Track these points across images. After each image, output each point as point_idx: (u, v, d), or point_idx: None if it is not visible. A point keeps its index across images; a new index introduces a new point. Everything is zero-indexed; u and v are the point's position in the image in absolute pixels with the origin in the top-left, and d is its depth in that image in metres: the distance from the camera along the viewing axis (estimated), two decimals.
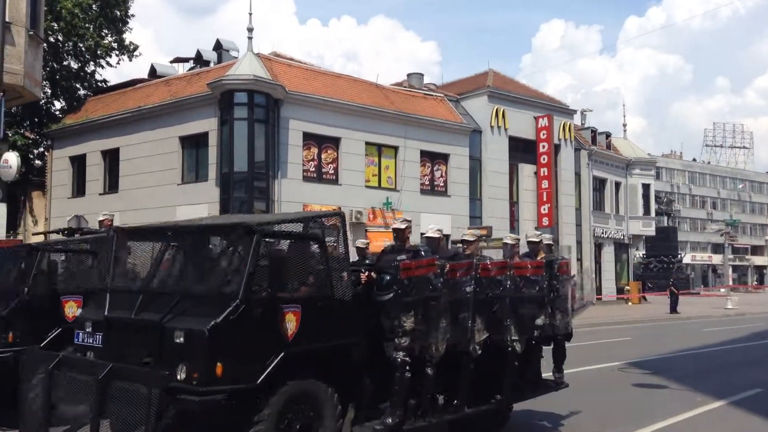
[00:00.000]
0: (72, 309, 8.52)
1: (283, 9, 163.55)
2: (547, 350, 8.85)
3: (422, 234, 8.22)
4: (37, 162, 34.63)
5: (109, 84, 35.25)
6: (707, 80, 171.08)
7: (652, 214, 47.62)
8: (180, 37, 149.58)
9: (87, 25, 32.00)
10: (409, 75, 37.65)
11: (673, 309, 31.58)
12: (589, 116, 46.46)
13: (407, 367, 6.49)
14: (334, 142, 28.58)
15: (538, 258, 8.50)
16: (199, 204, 26.85)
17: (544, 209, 35.80)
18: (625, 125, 48.78)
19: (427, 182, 31.66)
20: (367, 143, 29.39)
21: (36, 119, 33.00)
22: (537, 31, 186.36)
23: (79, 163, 32.24)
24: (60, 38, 32.08)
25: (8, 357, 7.73)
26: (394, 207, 29.71)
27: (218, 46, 33.26)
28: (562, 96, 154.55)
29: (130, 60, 35.15)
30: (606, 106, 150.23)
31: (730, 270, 69.70)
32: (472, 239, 7.99)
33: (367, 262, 8.32)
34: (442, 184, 32.25)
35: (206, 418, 5.61)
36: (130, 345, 5.98)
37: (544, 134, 35.82)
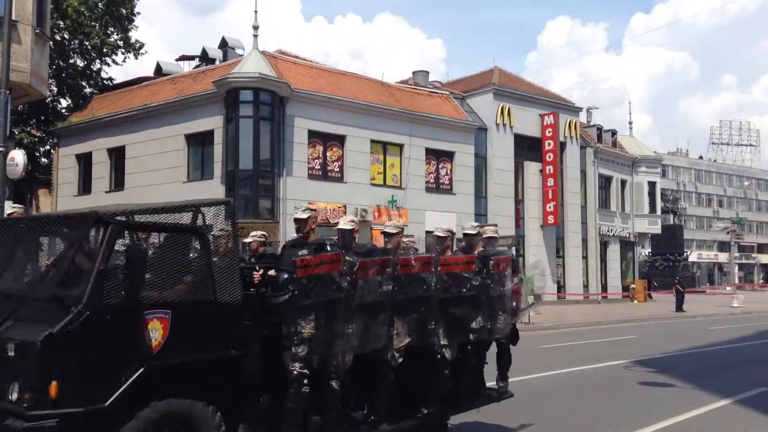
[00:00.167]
0: None
1: (288, 6, 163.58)
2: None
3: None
4: (44, 160, 34.74)
5: (114, 82, 35.34)
6: (714, 77, 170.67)
7: (658, 212, 47.51)
8: (186, 35, 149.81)
9: (93, 23, 32.08)
10: (414, 72, 37.64)
11: (679, 307, 31.51)
12: (594, 114, 46.36)
13: (305, 381, 5.64)
14: (340, 139, 28.59)
15: (475, 253, 7.47)
16: None
17: (550, 207, 35.76)
18: (631, 123, 48.58)
19: (432, 180, 31.66)
20: (372, 141, 29.40)
21: (42, 117, 33.10)
22: (543, 28, 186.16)
23: (85, 160, 32.33)
24: (66, 36, 32.16)
25: None
26: (399, 205, 29.74)
27: (224, 44, 33.29)
28: (568, 93, 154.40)
29: (136, 58, 35.23)
30: (612, 103, 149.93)
31: (736, 268, 69.50)
32: (393, 231, 6.90)
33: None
34: (447, 182, 32.23)
35: None
36: None
37: (549, 132, 35.77)
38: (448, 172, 32.31)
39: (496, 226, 9.12)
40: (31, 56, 17.51)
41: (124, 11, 33.44)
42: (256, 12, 27.28)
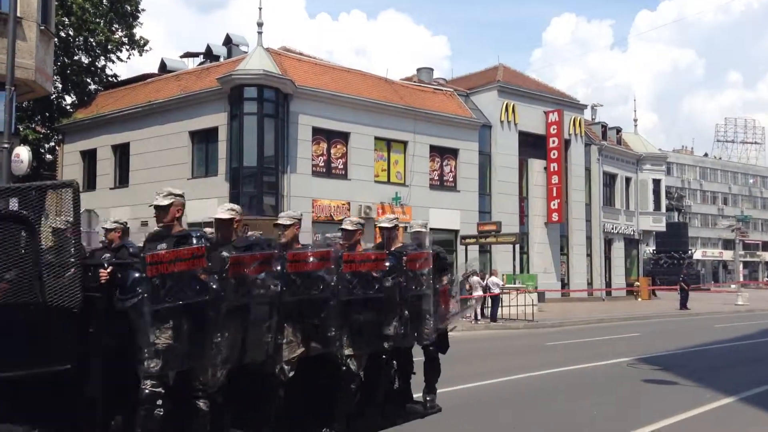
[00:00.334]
0: None
1: (292, 3, 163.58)
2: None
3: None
4: (48, 156, 34.86)
5: (119, 79, 35.41)
6: (719, 75, 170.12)
7: (663, 209, 47.42)
8: (190, 32, 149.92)
9: (98, 20, 32.15)
10: (418, 70, 37.63)
11: (683, 305, 31.44)
12: (599, 111, 46.33)
13: (158, 402, 4.64)
14: (344, 136, 28.61)
15: (393, 248, 6.55)
16: (209, 199, 26.92)
17: (554, 204, 35.73)
18: (636, 120, 48.65)
19: (436, 177, 31.65)
20: (376, 138, 29.40)
21: (47, 114, 33.20)
22: (548, 25, 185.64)
23: (89, 157, 32.41)
24: (71, 33, 32.24)
25: None
26: (403, 202, 29.75)
27: (228, 41, 33.32)
28: (573, 91, 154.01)
29: (141, 55, 35.33)
30: (617, 101, 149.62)
31: (741, 266, 69.25)
32: (288, 223, 6.01)
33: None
34: (451, 179, 32.22)
35: None
36: None
37: (554, 129, 35.73)
38: (452, 169, 32.30)
39: (425, 221, 8.49)
40: (36, 53, 17.55)
41: (129, 8, 33.51)
42: (260, 9, 27.29)
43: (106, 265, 5.02)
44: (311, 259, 5.52)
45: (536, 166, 35.98)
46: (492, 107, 34.05)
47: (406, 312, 6.13)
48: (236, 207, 5.66)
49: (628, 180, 44.05)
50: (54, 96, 31.88)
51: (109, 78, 35.05)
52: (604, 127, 42.98)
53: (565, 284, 37.36)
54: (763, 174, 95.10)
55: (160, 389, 4.67)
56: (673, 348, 16.19)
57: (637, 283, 42.92)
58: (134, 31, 34.53)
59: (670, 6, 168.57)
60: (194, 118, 27.85)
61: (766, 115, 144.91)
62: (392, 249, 6.47)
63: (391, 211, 29.40)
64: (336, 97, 28.02)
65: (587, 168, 39.24)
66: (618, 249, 42.70)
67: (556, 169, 35.77)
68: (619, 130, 45.09)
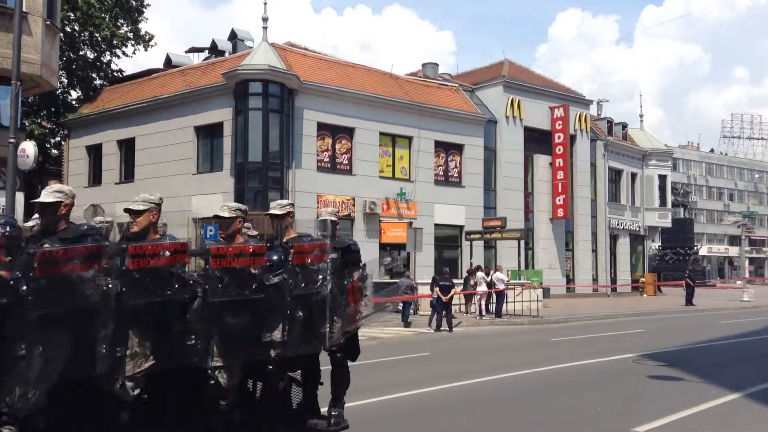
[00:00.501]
0: None
1: None
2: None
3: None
4: (54, 151, 34.96)
5: (124, 74, 35.46)
6: (725, 70, 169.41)
7: (669, 205, 47.32)
8: (195, 27, 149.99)
9: (103, 15, 32.18)
10: (423, 65, 37.56)
11: (689, 301, 31.39)
12: (605, 107, 46.26)
13: None
14: (348, 132, 28.60)
15: (286, 239, 5.75)
16: (214, 194, 26.98)
17: (559, 200, 35.68)
18: (641, 116, 48.29)
19: (441, 173, 31.62)
20: (381, 133, 29.38)
21: (53, 109, 33.29)
22: (553, 20, 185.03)
23: (95, 152, 32.49)
24: (76, 28, 32.29)
25: None
26: (408, 198, 29.72)
27: (233, 36, 33.32)
28: (578, 86, 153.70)
29: (146, 50, 35.36)
30: (623, 96, 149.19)
31: (747, 262, 68.98)
32: (143, 208, 5.11)
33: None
34: (456, 175, 32.19)
35: None
36: None
37: (559, 125, 35.66)
38: (457, 164, 32.26)
39: (336, 209, 7.36)
40: (42, 48, 17.59)
41: (134, 3, 33.57)
42: (265, 4, 27.26)
43: None
44: (164, 252, 4.44)
45: (541, 161, 35.92)
46: (497, 102, 33.99)
47: (300, 314, 5.19)
48: (65, 188, 4.82)
49: (633, 176, 43.94)
50: (59, 91, 31.96)
51: (115, 73, 35.11)
52: (610, 122, 42.88)
53: (570, 280, 37.32)
54: None
55: None
56: (679, 344, 16.17)
57: (642, 279, 42.86)
58: (139, 26, 34.56)
59: (677, 1, 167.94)
60: (199, 114, 27.86)
61: None
62: (284, 240, 5.69)
63: (396, 207, 29.40)
64: (341, 92, 28.00)
65: (593, 164, 39.16)
66: (623, 245, 42.63)
67: (561, 164, 35.71)
68: (624, 126, 44.97)
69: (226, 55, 32.06)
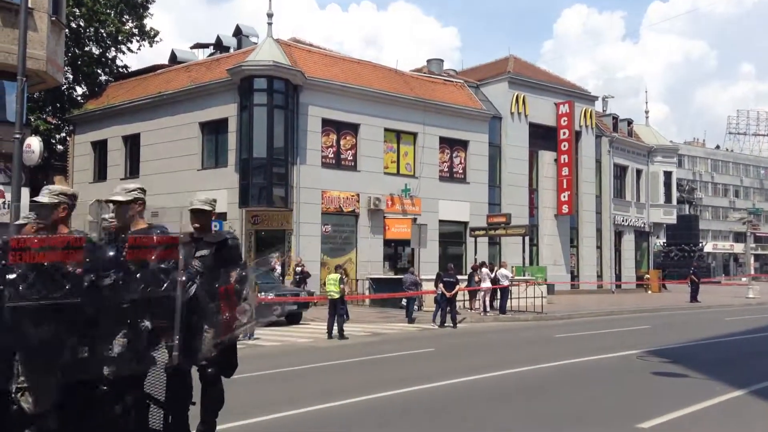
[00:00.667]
0: None
1: None
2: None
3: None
4: (59, 147, 35.03)
5: (129, 70, 35.51)
6: (732, 66, 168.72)
7: (674, 202, 47.23)
8: (200, 23, 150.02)
9: (108, 11, 32.22)
10: (429, 61, 37.59)
11: (694, 298, 31.33)
12: (610, 103, 46.19)
13: None
14: (353, 128, 28.60)
15: (132, 230, 4.85)
16: (219, 189, 27.02)
17: (564, 196, 35.64)
18: (647, 112, 48.26)
19: (446, 169, 31.61)
20: (386, 129, 29.39)
21: (58, 105, 33.36)
22: (559, 16, 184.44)
23: (100, 148, 32.57)
24: (82, 24, 32.33)
25: None
26: (413, 194, 29.73)
27: (238, 32, 33.35)
28: (584, 82, 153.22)
29: (151, 46, 35.40)
30: (628, 92, 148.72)
31: (752, 259, 68.88)
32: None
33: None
34: (461, 171, 32.17)
35: None
36: None
37: (564, 121, 35.60)
38: (462, 160, 32.24)
39: (212, 199, 5.88)
40: (47, 44, 17.61)
41: None
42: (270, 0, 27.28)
43: None
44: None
45: (546, 157, 35.87)
46: (502, 99, 33.95)
47: (147, 323, 4.17)
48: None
49: (638, 172, 43.85)
50: (65, 87, 32.03)
51: (120, 69, 35.16)
52: (615, 118, 42.79)
53: (574, 276, 37.29)
54: None
55: None
56: (683, 341, 16.14)
57: (647, 276, 42.78)
58: (144, 22, 34.60)
59: None
60: (204, 109, 27.91)
61: None
62: (130, 232, 4.84)
63: (401, 203, 29.40)
64: (346, 88, 27.99)
65: (598, 160, 39.10)
66: (628, 241, 42.57)
67: (566, 160, 35.66)
68: (630, 122, 44.88)
69: (231, 51, 32.10)
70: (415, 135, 30.38)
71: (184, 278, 4.33)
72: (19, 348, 3.94)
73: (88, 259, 4.01)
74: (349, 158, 28.64)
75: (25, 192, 16.90)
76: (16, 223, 5.54)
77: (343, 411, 8.32)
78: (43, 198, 4.75)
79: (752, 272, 42.22)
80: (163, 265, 4.22)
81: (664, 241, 62.12)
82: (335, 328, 16.57)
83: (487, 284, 22.91)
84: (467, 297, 23.92)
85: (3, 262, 3.89)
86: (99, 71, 34.47)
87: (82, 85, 34.50)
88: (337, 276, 17.32)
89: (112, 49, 34.27)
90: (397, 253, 29.96)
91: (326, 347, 15.17)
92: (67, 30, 24.12)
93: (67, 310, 3.87)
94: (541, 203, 35.66)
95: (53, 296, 3.82)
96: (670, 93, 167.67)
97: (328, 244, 27.66)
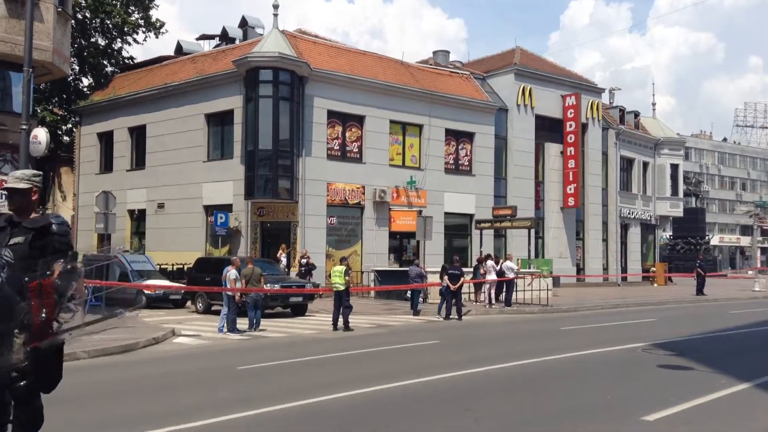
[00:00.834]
0: None
1: None
2: None
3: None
4: (66, 138, 35.08)
5: (135, 61, 35.47)
6: (739, 59, 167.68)
7: (680, 194, 47.09)
8: (206, 14, 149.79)
9: (114, 1, 32.11)
10: (434, 52, 37.46)
11: (700, 291, 31.26)
12: (617, 95, 46.00)
13: None
14: (359, 120, 28.56)
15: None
16: (225, 181, 27.09)
17: (570, 189, 35.56)
18: (654, 104, 48.16)
19: (451, 161, 31.55)
20: (391, 121, 29.33)
21: (64, 96, 33.36)
22: (566, 8, 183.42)
23: (106, 139, 32.64)
24: (87, 15, 32.26)
25: None
26: (418, 186, 29.70)
27: (244, 23, 33.30)
28: (591, 74, 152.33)
29: (157, 37, 35.28)
30: (635, 84, 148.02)
31: (759, 252, 68.64)
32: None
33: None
34: (466, 163, 32.12)
35: None
36: None
37: (571, 113, 35.48)
38: (468, 153, 32.18)
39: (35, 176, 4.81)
40: (54, 35, 17.62)
41: None
42: None
43: None
44: None
45: (553, 150, 35.78)
46: (508, 90, 33.84)
47: None
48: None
49: (645, 165, 43.72)
50: (71, 78, 32.01)
51: (126, 60, 35.11)
52: (622, 111, 42.63)
53: (580, 269, 37.25)
54: None
55: None
56: (689, 334, 16.12)
57: (653, 269, 42.72)
58: (150, 13, 34.45)
59: None
60: (210, 101, 27.91)
61: None
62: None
63: (406, 195, 29.39)
64: (351, 80, 27.94)
65: (604, 152, 38.98)
66: (634, 234, 42.48)
67: (572, 153, 35.56)
68: (637, 114, 44.72)
69: (237, 42, 32.04)
70: (420, 127, 30.32)
71: None
72: None
73: None
74: (354, 150, 28.61)
75: None
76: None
77: (347, 402, 8.34)
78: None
79: (758, 265, 42.08)
80: None
81: (671, 233, 61.91)
82: (340, 320, 16.61)
83: (492, 277, 22.90)
84: (472, 289, 23.92)
85: None
86: (105, 62, 34.40)
87: (88, 77, 34.44)
88: (343, 268, 17.33)
89: (118, 40, 34.18)
90: (402, 245, 29.97)
91: (331, 339, 15.20)
92: (73, 21, 24.09)
93: None
94: (547, 196, 35.59)
95: None
96: (678, 85, 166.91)
97: (334, 236, 27.68)
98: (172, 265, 27.21)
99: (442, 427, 7.22)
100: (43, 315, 4.15)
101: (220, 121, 28.19)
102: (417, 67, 32.66)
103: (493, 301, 23.00)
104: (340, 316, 16.64)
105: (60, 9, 17.96)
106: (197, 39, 36.52)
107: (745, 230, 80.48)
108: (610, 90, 44.89)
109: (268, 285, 17.82)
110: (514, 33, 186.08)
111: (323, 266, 25.82)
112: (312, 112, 26.97)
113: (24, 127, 12.57)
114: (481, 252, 27.52)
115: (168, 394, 9.19)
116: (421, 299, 21.71)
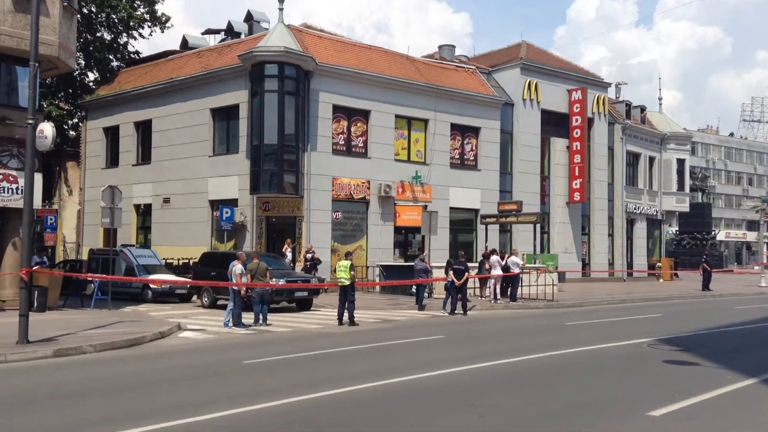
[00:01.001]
0: None
1: None
2: None
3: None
4: (72, 133, 35.17)
5: (141, 55, 35.52)
6: (747, 53, 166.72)
7: (687, 189, 46.93)
8: (211, 9, 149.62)
9: None
10: (440, 47, 37.35)
11: (706, 286, 31.17)
12: (623, 89, 45.89)
13: None
14: (364, 114, 28.52)
15: None
16: (230, 176, 27.11)
17: (576, 184, 35.47)
18: (660, 99, 47.82)
19: (457, 156, 31.50)
20: (397, 116, 29.28)
21: (70, 90, 33.47)
22: (572, 2, 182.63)
23: (112, 134, 32.68)
24: (93, 9, 32.35)
25: None
26: (423, 181, 29.67)
27: (249, 18, 33.26)
28: (597, 69, 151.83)
29: (162, 31, 35.39)
30: (641, 79, 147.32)
31: (765, 247, 68.26)
32: None
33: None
34: (472, 158, 32.06)
35: None
36: None
37: (577, 108, 35.38)
38: (474, 147, 32.12)
39: None
40: (60, 29, 17.64)
41: None
42: None
43: None
44: None
45: (559, 145, 35.69)
46: (514, 85, 33.75)
47: None
48: None
49: (651, 159, 43.58)
50: (77, 73, 32.08)
51: (131, 55, 35.18)
52: (628, 105, 42.49)
53: (585, 264, 37.18)
54: None
55: None
56: (695, 329, 16.08)
57: (658, 264, 42.60)
58: (156, 7, 34.55)
59: None
60: (215, 96, 27.91)
61: None
62: None
63: (411, 190, 29.35)
64: (357, 74, 27.89)
65: (610, 147, 38.87)
66: (640, 229, 42.38)
67: (578, 148, 35.47)
68: (643, 109, 44.54)
69: (242, 36, 32.01)
70: (426, 122, 30.28)
71: None
72: None
73: None
74: (359, 145, 28.58)
75: (38, 177, 17.01)
76: None
77: (353, 397, 8.36)
78: None
79: (765, 261, 41.92)
80: None
81: (677, 229, 61.79)
82: (345, 314, 16.63)
83: (497, 272, 22.87)
84: (478, 284, 23.91)
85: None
86: (111, 57, 34.51)
87: (94, 71, 34.56)
88: (348, 263, 17.33)
89: (124, 34, 34.29)
90: (407, 240, 29.96)
91: (337, 333, 15.22)
92: (78, 15, 24.12)
93: None
94: (552, 191, 35.51)
95: None
96: (684, 79, 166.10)
97: (339, 230, 27.68)
98: (178, 259, 27.28)
99: (447, 421, 7.22)
100: None
101: (225, 116, 28.20)
102: (422, 62, 32.58)
103: (498, 296, 22.98)
104: (345, 310, 16.66)
105: (66, 3, 17.97)
106: (203, 33, 36.53)
107: (752, 225, 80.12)
108: (616, 84, 44.80)
109: (273, 280, 17.86)
110: (520, 27, 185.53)
111: (328, 261, 25.83)
112: (317, 107, 26.94)
113: (30, 121, 12.58)
114: (486, 247, 27.48)
115: (174, 388, 9.22)
116: (426, 294, 21.70)
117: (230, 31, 33.65)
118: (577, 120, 35.40)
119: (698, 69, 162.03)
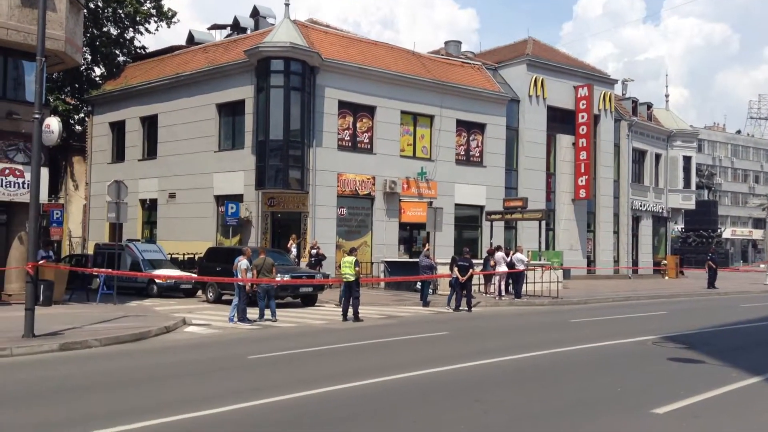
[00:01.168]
0: None
1: None
2: None
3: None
4: (78, 127, 35.21)
5: (147, 51, 35.53)
6: (754, 50, 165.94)
7: (693, 187, 46.79)
8: (217, 4, 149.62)
9: None
10: (446, 43, 37.32)
11: (711, 284, 31.10)
12: (630, 86, 45.67)
13: None
14: (370, 110, 28.50)
15: None
16: (236, 171, 27.15)
17: (582, 181, 35.41)
18: (667, 96, 47.66)
19: (462, 152, 31.47)
20: (402, 112, 29.26)
21: (76, 85, 33.46)
22: None
23: (118, 129, 32.77)
24: (100, 4, 32.30)
25: None
26: (429, 177, 29.65)
27: (255, 13, 33.27)
28: (603, 65, 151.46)
29: (168, 26, 35.28)
30: (648, 76, 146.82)
31: None
32: None
33: None
34: (477, 155, 32.02)
35: None
36: None
37: (583, 104, 35.29)
38: (479, 144, 32.08)
39: None
40: (66, 24, 17.68)
41: None
42: None
43: None
44: None
45: (564, 141, 35.62)
46: (520, 81, 33.68)
47: None
48: None
49: (657, 157, 43.45)
50: (83, 67, 32.08)
51: (138, 50, 35.17)
52: (635, 102, 42.35)
53: (591, 261, 37.12)
54: None
55: None
56: (700, 327, 16.06)
57: (664, 262, 42.52)
58: (162, 2, 34.46)
59: None
60: (221, 91, 27.94)
61: None
62: None
63: (417, 186, 29.34)
64: (362, 70, 27.87)
65: (616, 144, 38.77)
66: (646, 227, 42.28)
67: (584, 144, 35.39)
68: (649, 106, 44.40)
69: (248, 32, 32.03)
70: (431, 118, 30.24)
71: None
72: None
73: None
74: (365, 141, 28.57)
75: (44, 172, 17.05)
76: None
77: (358, 392, 8.37)
78: None
79: None
80: None
81: (682, 226, 61.71)
82: (350, 310, 16.65)
83: (502, 268, 22.86)
84: (482, 281, 23.89)
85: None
86: (117, 52, 34.45)
87: (101, 66, 34.54)
88: (353, 259, 17.34)
89: (130, 29, 34.22)
90: (412, 236, 29.95)
91: (341, 329, 15.24)
92: (85, 10, 24.12)
93: None
94: (558, 187, 35.45)
95: None
96: (691, 76, 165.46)
97: (344, 226, 27.69)
98: (183, 254, 27.33)
99: (451, 417, 7.23)
100: None
101: (231, 111, 28.23)
102: (428, 58, 32.54)
103: (503, 293, 22.97)
104: (350, 306, 16.68)
105: None
106: (209, 29, 36.55)
107: (758, 223, 79.93)
108: (622, 81, 44.61)
109: (279, 275, 17.88)
110: (526, 23, 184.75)
111: (333, 257, 25.85)
112: (323, 103, 26.94)
113: (37, 116, 12.61)
114: (491, 244, 27.47)
115: (179, 383, 9.25)
116: (430, 290, 21.71)
117: (236, 27, 33.66)
118: (583, 117, 35.31)
119: (705, 66, 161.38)
